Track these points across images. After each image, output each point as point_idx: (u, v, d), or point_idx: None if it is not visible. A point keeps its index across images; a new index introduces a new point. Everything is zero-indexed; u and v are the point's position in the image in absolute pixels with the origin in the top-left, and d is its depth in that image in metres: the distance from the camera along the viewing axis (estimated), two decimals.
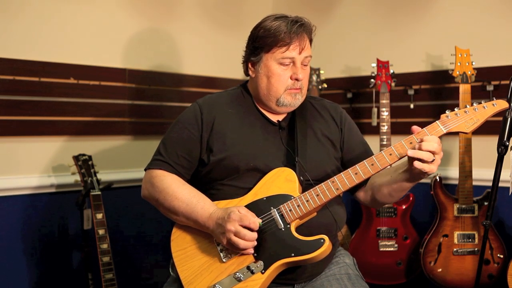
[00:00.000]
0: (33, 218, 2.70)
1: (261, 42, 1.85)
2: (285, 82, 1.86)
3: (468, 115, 1.70)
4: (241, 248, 1.70)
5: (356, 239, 3.07)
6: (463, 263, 2.78)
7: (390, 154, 1.70)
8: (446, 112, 1.71)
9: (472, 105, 1.72)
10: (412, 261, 2.99)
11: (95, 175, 2.66)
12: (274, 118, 1.94)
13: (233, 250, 1.73)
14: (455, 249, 2.79)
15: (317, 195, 1.74)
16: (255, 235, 1.70)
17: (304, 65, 1.87)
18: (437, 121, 1.71)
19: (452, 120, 1.70)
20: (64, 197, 2.78)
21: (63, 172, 2.77)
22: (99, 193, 2.62)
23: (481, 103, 1.72)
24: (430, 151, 1.62)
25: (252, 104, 1.95)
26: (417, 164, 1.63)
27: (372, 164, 1.71)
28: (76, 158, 2.66)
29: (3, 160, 2.60)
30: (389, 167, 1.75)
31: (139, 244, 3.09)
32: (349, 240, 3.11)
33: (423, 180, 3.00)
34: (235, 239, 1.68)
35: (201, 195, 1.84)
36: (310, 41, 1.90)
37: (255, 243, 1.71)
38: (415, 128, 1.70)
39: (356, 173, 1.72)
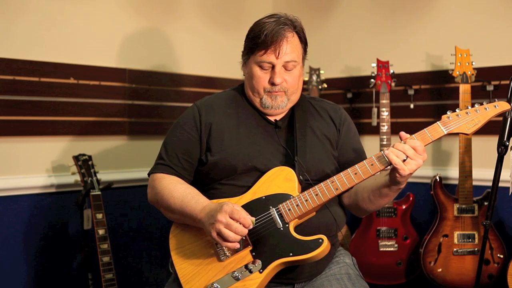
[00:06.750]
0: (33, 218, 2.70)
1: (247, 43, 1.89)
2: (263, 84, 1.86)
3: (469, 116, 1.69)
4: (230, 241, 1.64)
5: (356, 239, 3.07)
6: (463, 263, 2.78)
7: None
8: (448, 113, 1.70)
9: (473, 106, 1.70)
10: (412, 261, 2.99)
11: (95, 175, 2.66)
12: (272, 117, 1.94)
13: (219, 242, 1.68)
14: (455, 249, 2.79)
15: (316, 195, 1.73)
16: (245, 231, 1.65)
17: (288, 70, 1.85)
18: (438, 122, 1.70)
19: (453, 121, 1.69)
20: (64, 197, 2.78)
21: (63, 172, 2.77)
22: (99, 193, 2.62)
23: (482, 104, 1.71)
24: (400, 150, 1.64)
25: (249, 104, 1.95)
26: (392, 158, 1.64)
27: (372, 165, 1.70)
28: (76, 158, 2.66)
29: (3, 160, 2.60)
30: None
31: (139, 244, 3.09)
32: (349, 240, 3.11)
33: (423, 180, 3.05)
34: (225, 230, 1.63)
35: (197, 192, 1.83)
36: (303, 44, 1.88)
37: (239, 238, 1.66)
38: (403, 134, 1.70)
39: (355, 173, 1.72)
